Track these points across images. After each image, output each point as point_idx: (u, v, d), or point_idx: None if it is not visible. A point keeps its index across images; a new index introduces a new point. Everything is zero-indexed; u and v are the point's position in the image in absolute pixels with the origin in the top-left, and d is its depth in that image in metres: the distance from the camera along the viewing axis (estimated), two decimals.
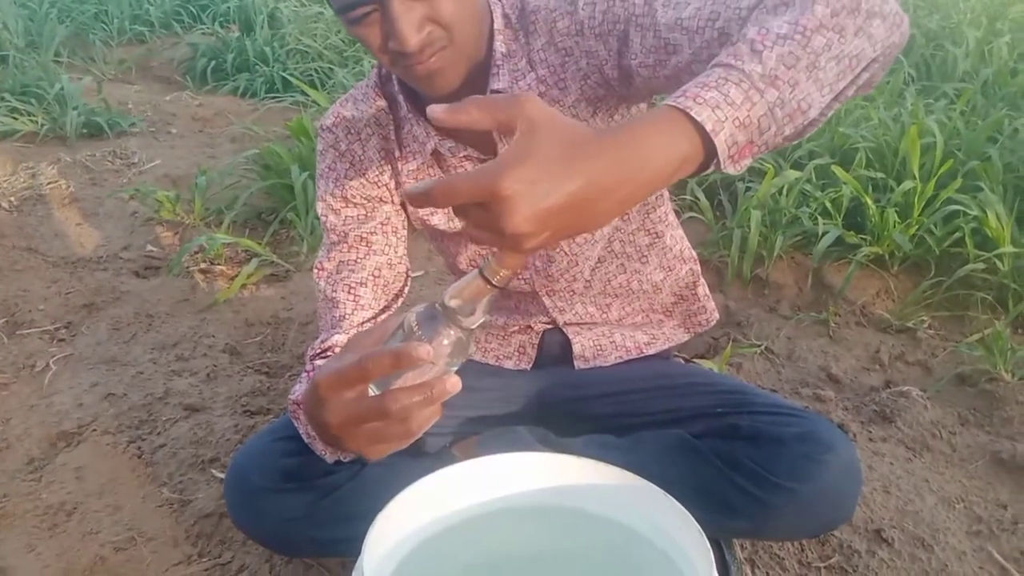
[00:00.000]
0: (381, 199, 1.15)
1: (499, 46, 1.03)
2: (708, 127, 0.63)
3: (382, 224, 1.14)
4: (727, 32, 0.80)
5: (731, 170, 0.66)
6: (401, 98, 1.09)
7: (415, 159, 1.12)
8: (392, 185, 1.16)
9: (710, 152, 0.65)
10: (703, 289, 1.38)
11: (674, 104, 0.64)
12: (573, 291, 1.26)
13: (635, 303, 1.33)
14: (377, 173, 1.14)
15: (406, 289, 1.19)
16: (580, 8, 0.98)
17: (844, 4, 0.70)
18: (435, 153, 1.11)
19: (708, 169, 0.67)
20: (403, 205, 1.18)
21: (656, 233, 1.27)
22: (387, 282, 1.15)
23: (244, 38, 4.73)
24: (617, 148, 0.61)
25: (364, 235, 1.13)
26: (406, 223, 1.19)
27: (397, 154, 1.13)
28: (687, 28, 0.85)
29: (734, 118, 0.64)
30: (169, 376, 1.82)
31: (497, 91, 1.03)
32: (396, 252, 1.15)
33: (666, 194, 1.29)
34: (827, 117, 0.73)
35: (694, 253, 1.38)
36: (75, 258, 2.42)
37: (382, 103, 1.12)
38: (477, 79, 1.02)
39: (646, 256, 1.28)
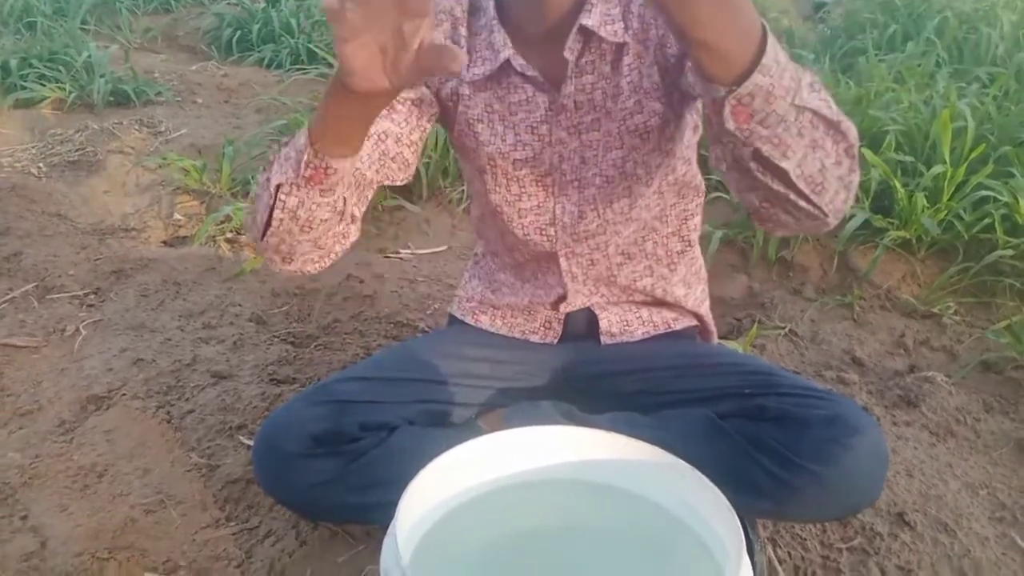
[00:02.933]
0: (425, 81, 1.13)
1: None
2: (768, 54, 0.72)
3: (413, 101, 1.10)
4: None
5: (729, 108, 0.75)
6: (492, 3, 1.10)
7: (482, 65, 1.11)
8: (440, 78, 1.14)
9: (743, 72, 0.73)
10: (708, 307, 1.42)
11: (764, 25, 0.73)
12: (592, 261, 1.25)
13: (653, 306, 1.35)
14: None
15: (401, 178, 1.13)
16: None
17: (848, 156, 0.85)
18: (503, 66, 1.09)
19: (725, 82, 0.74)
20: (439, 102, 1.17)
21: (689, 241, 1.29)
22: (387, 153, 1.08)
23: (270, 9, 4.72)
24: None
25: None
26: (433, 118, 1.16)
27: (465, 71, 1.13)
28: None
29: (776, 80, 0.74)
30: (196, 343, 1.84)
31: (585, 26, 1.04)
32: (410, 135, 1.10)
33: (701, 208, 1.30)
34: (764, 185, 0.85)
35: (706, 273, 1.39)
36: (103, 225, 2.44)
37: (464, 2, 1.12)
38: (572, 10, 1.06)
39: (675, 264, 1.29)
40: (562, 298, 1.30)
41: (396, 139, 1.08)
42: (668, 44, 1.06)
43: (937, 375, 1.88)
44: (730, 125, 0.76)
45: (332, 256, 1.05)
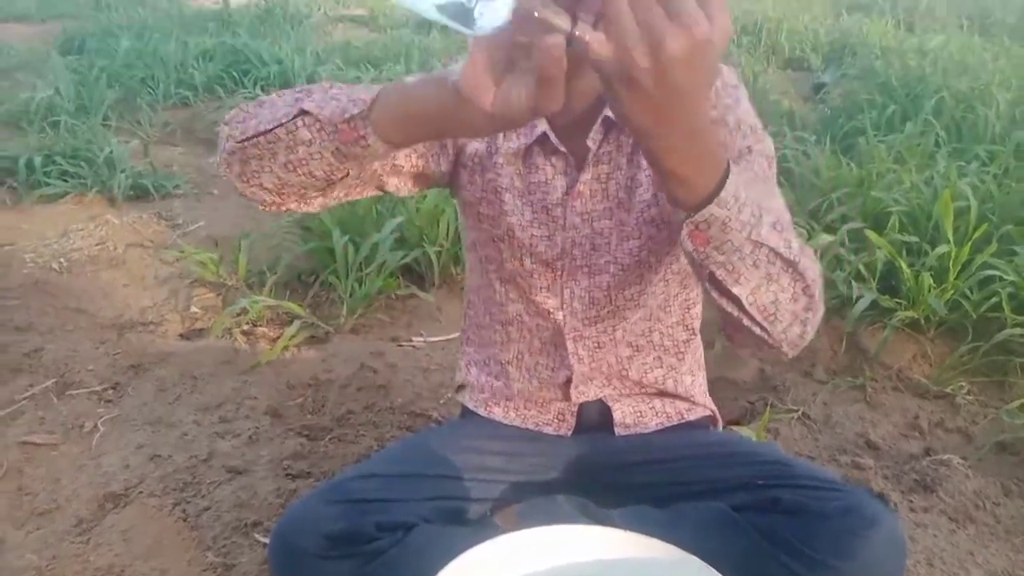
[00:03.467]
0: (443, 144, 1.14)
1: None
2: (728, 189, 0.76)
3: (420, 169, 1.11)
4: None
5: (687, 230, 0.79)
6: None
7: (517, 139, 1.14)
8: (463, 143, 1.15)
9: (703, 201, 0.77)
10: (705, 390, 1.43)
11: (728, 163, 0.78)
12: (599, 344, 1.27)
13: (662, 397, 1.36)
14: None
15: (364, 195, 1.09)
16: (724, 103, 1.06)
17: (806, 294, 0.88)
18: (532, 144, 1.13)
19: (685, 206, 0.79)
20: (456, 163, 1.18)
21: (692, 330, 1.31)
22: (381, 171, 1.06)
23: None
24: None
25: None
26: (426, 186, 1.17)
27: (499, 138, 1.15)
28: None
29: (733, 214, 0.78)
30: (212, 438, 1.86)
31: (609, 117, 1.08)
32: (404, 182, 1.11)
33: (701, 298, 1.32)
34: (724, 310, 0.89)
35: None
36: (122, 319, 2.49)
37: None
38: (599, 100, 1.06)
39: (683, 353, 1.31)
40: (568, 380, 1.31)
41: (395, 170, 1.08)
42: None
43: (953, 458, 1.87)
44: (687, 246, 0.81)
45: (279, 207, 1.00)
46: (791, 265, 0.85)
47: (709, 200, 0.76)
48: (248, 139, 0.92)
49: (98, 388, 2.07)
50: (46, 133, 4.42)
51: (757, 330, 0.89)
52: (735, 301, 0.86)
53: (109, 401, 2.03)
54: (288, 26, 8.50)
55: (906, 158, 3.16)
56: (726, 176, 0.77)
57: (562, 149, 1.13)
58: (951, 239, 2.39)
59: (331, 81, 0.96)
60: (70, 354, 2.21)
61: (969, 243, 2.37)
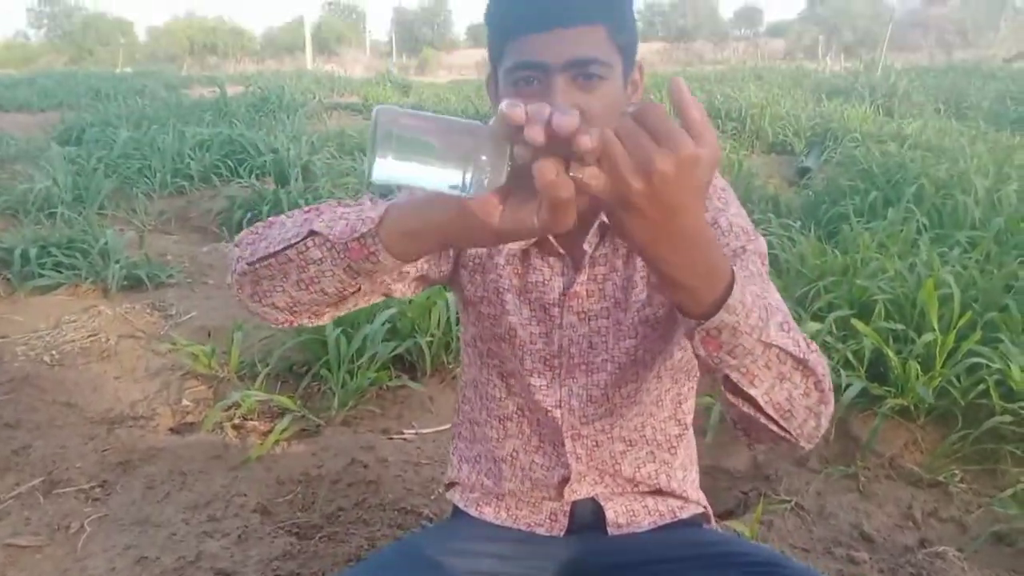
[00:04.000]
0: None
1: None
2: (735, 295, 0.78)
3: (422, 275, 1.11)
4: None
5: (699, 337, 0.81)
6: None
7: (518, 244, 1.15)
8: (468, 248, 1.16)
9: (709, 308, 0.79)
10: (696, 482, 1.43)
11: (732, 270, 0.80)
12: (597, 443, 1.27)
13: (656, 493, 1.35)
14: None
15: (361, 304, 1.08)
16: (715, 206, 1.10)
17: (817, 389, 0.89)
18: (535, 243, 1.14)
19: (694, 315, 0.81)
20: (456, 264, 1.19)
21: (685, 424, 1.31)
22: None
23: (279, 190, 4.98)
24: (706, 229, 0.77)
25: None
26: (423, 288, 1.15)
27: None
28: None
29: (742, 319, 0.80)
30: (201, 538, 1.83)
31: (605, 223, 1.10)
32: (405, 286, 1.10)
33: (694, 392, 1.34)
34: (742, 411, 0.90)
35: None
36: (113, 414, 2.48)
37: None
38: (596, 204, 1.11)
39: (676, 448, 1.32)
40: (565, 479, 1.31)
41: (401, 277, 1.08)
42: None
43: (949, 550, 1.86)
44: (700, 352, 0.83)
45: (291, 323, 1.00)
46: (801, 363, 0.87)
47: (716, 308, 0.79)
48: (259, 260, 0.93)
49: (86, 486, 2.05)
50: (42, 224, 4.48)
51: (774, 427, 0.90)
52: (751, 401, 0.88)
53: (96, 499, 2.01)
54: (284, 115, 8.72)
55: (888, 245, 3.22)
56: (732, 283, 0.79)
57: (560, 251, 1.16)
58: (936, 327, 2.42)
59: (339, 200, 0.98)
60: (58, 451, 2.20)
61: (954, 331, 2.40)
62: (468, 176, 0.67)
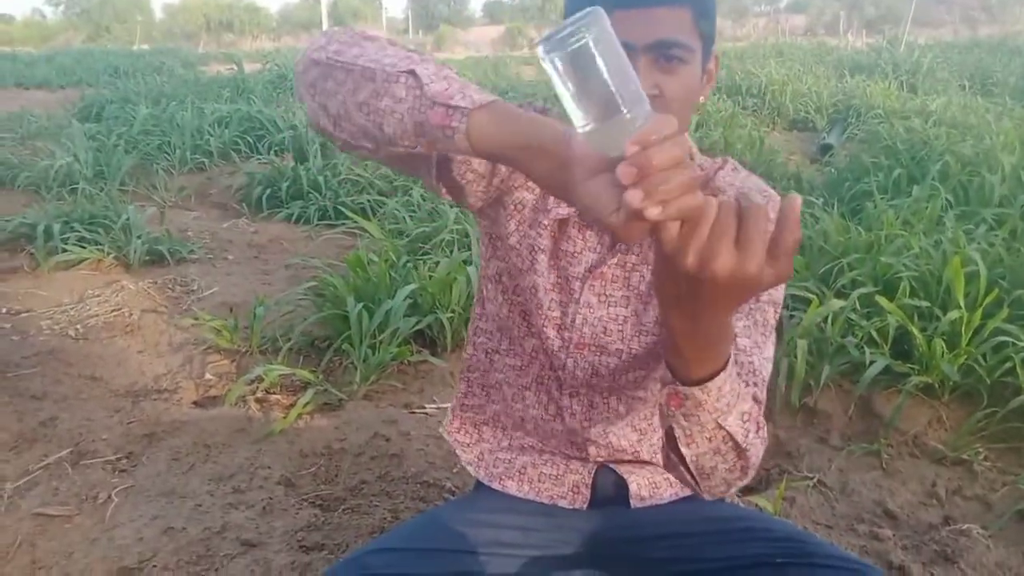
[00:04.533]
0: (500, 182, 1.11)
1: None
2: (716, 382, 0.82)
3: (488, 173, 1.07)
4: None
5: (668, 391, 0.86)
6: None
7: (567, 208, 1.13)
8: (525, 180, 1.13)
9: (694, 379, 0.83)
10: None
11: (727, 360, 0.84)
12: (593, 404, 1.27)
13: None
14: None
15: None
16: None
17: (742, 469, 0.93)
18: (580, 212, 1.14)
19: (677, 375, 0.84)
20: (499, 197, 1.15)
21: None
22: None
23: (298, 167, 4.98)
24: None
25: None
26: (485, 192, 1.11)
27: (553, 198, 1.14)
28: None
29: (712, 401, 0.84)
30: (226, 509, 1.85)
31: None
32: (475, 182, 1.07)
33: None
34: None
35: None
36: (137, 387, 2.50)
37: None
38: None
39: None
40: (573, 428, 1.30)
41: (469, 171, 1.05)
42: None
43: (973, 527, 1.85)
44: (661, 400, 0.87)
45: (327, 132, 0.93)
46: (741, 450, 0.91)
47: (697, 382, 0.82)
48: (342, 61, 0.87)
49: (112, 458, 2.08)
50: (64, 199, 4.51)
51: (688, 477, 0.94)
52: (677, 454, 0.92)
53: (123, 471, 2.03)
54: None
55: (913, 223, 3.18)
56: (722, 369, 0.82)
57: (599, 228, 1.14)
58: (962, 304, 2.40)
59: (449, 66, 0.89)
60: (84, 423, 2.22)
61: (980, 308, 2.37)
62: (595, 123, 0.64)
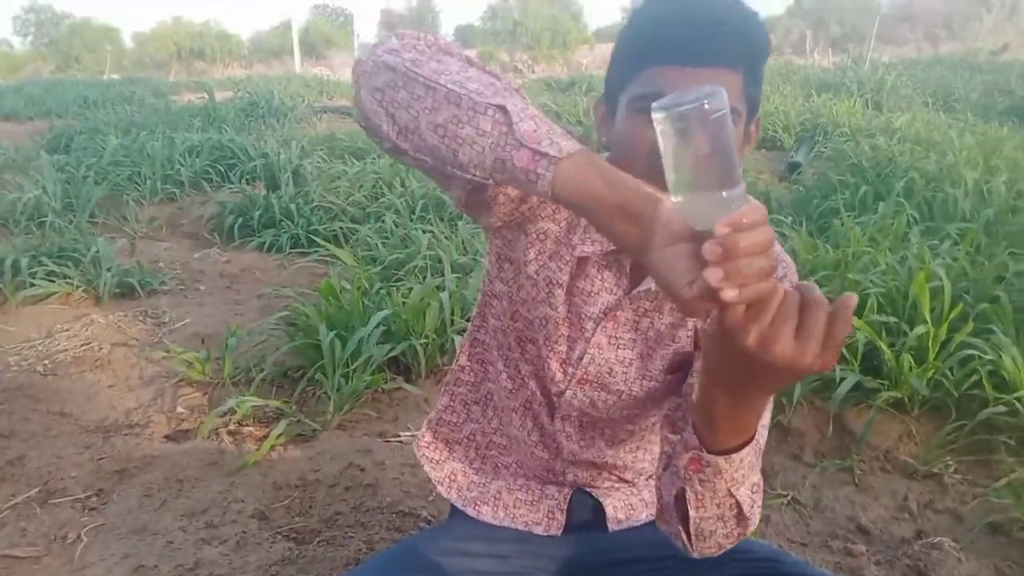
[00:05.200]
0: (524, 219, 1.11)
1: None
2: (741, 454, 0.87)
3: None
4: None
5: (691, 455, 0.89)
6: None
7: (592, 245, 1.11)
8: (553, 212, 1.12)
9: (720, 449, 0.87)
10: None
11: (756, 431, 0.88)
12: (583, 425, 1.28)
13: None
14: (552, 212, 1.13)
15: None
16: None
17: (738, 536, 0.96)
18: (613, 253, 1.12)
19: (704, 441, 0.87)
20: (517, 224, 1.14)
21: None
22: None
23: (270, 195, 4.97)
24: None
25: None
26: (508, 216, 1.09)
27: (578, 233, 1.13)
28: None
29: (732, 471, 0.89)
30: (199, 545, 1.83)
31: None
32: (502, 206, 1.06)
33: None
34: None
35: None
36: (107, 422, 2.47)
37: None
38: None
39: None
40: (559, 450, 1.30)
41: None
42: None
43: (945, 540, 1.87)
44: (683, 464, 0.90)
45: (384, 140, 0.89)
46: (743, 518, 0.94)
47: (723, 452, 0.86)
48: (421, 75, 0.84)
49: (82, 496, 2.05)
50: (33, 233, 4.46)
51: (683, 536, 0.97)
52: (681, 513, 0.95)
53: (93, 509, 2.00)
54: (273, 119, 8.70)
55: (879, 239, 3.24)
56: (749, 441, 0.86)
57: (627, 271, 1.14)
58: (928, 319, 2.44)
59: (526, 99, 0.87)
60: (54, 461, 2.19)
61: (946, 323, 2.41)
62: (692, 193, 0.65)
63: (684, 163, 0.64)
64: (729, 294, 0.64)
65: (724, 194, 0.64)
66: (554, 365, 1.20)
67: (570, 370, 1.21)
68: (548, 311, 1.17)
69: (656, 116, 0.64)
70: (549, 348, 1.20)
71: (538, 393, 1.26)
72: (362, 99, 0.89)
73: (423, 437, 1.42)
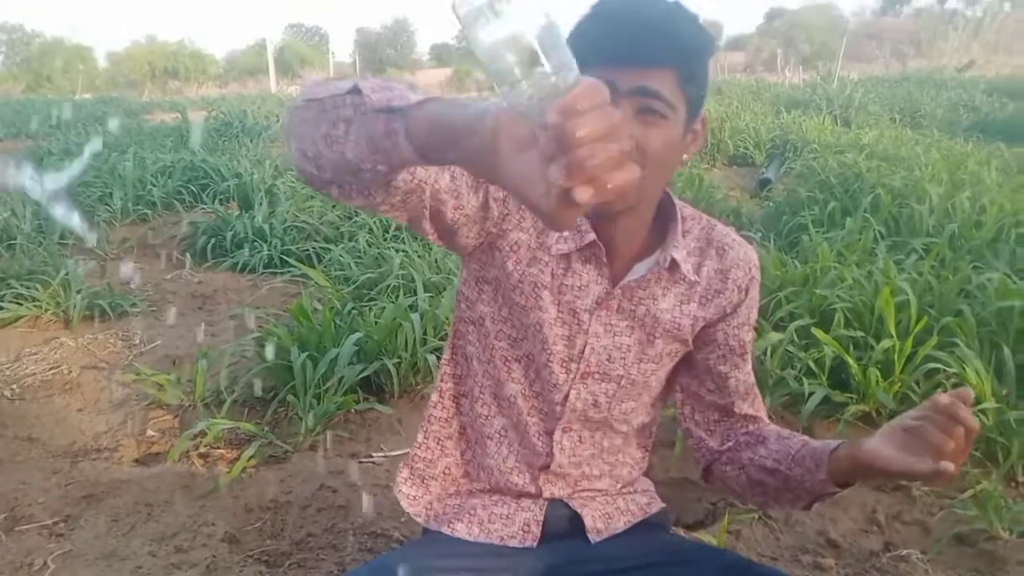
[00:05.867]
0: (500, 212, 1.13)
1: (687, 229, 1.21)
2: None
3: (481, 205, 1.09)
4: (730, 407, 1.29)
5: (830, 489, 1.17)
6: None
7: (567, 243, 1.15)
8: (519, 221, 1.15)
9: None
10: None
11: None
12: (581, 439, 1.29)
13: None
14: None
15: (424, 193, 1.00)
16: (744, 301, 1.23)
17: None
18: (581, 248, 1.16)
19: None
20: (491, 238, 1.16)
21: (647, 448, 1.39)
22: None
23: (243, 215, 4.95)
24: None
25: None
26: (477, 227, 1.12)
27: (552, 235, 1.16)
28: (728, 385, 1.27)
29: None
30: (168, 570, 1.81)
31: (673, 259, 1.17)
32: (458, 209, 1.05)
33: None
34: None
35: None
36: (76, 447, 2.44)
37: None
38: (643, 237, 1.19)
39: (644, 453, 1.37)
40: (546, 466, 1.31)
41: (436, 215, 1.03)
42: (728, 323, 1.24)
43: (913, 552, 1.89)
44: (830, 488, 1.15)
45: (323, 187, 0.92)
46: None
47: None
48: (308, 104, 0.88)
49: (49, 522, 2.02)
50: (1, 256, 4.41)
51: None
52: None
53: (60, 535, 1.98)
54: (247, 139, 8.67)
55: (847, 254, 3.29)
56: None
57: (604, 261, 1.17)
58: (894, 333, 2.48)
59: (410, 81, 0.89)
60: (20, 487, 2.16)
61: (912, 336, 2.45)
62: (516, 83, 0.57)
63: (495, 53, 0.57)
64: (582, 195, 0.57)
65: (552, 76, 0.56)
66: (556, 367, 1.22)
67: (572, 366, 1.22)
68: (539, 315, 1.19)
69: (458, 12, 0.57)
70: (548, 353, 1.22)
71: (526, 413, 1.27)
72: (291, 151, 0.92)
73: (401, 472, 1.41)
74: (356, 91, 0.82)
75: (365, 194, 0.91)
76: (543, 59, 0.56)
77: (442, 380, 1.34)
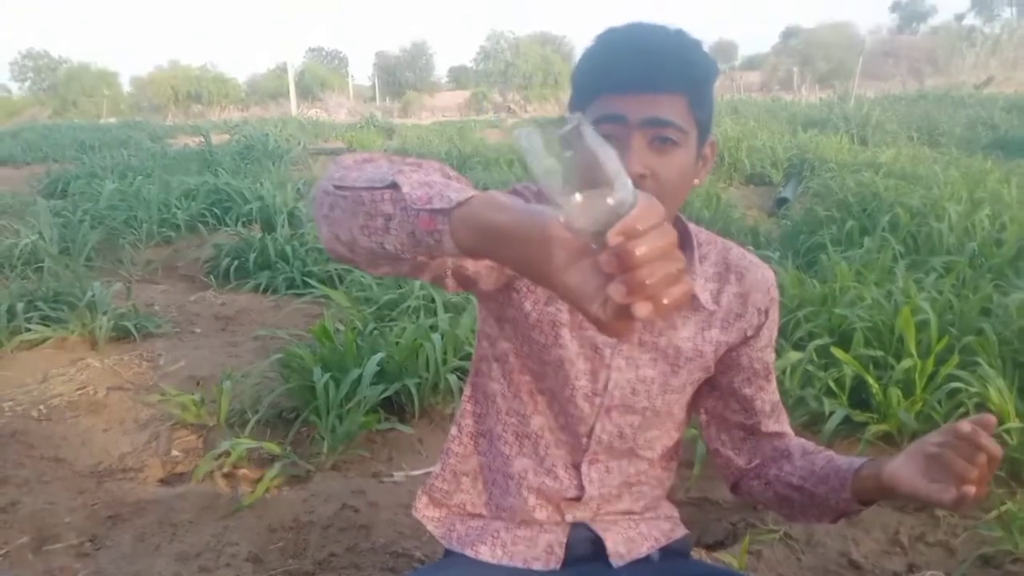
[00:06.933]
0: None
1: (703, 255, 1.23)
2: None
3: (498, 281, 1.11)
4: (756, 427, 1.30)
5: (856, 508, 1.18)
6: None
7: None
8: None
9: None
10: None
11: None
12: (608, 469, 1.29)
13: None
14: None
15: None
16: (765, 323, 1.24)
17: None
18: None
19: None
20: (508, 285, 1.17)
21: (671, 470, 1.39)
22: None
23: (266, 237, 5.01)
24: None
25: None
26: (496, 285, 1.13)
27: None
28: (754, 406, 1.29)
29: None
30: None
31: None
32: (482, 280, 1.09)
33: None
34: None
35: None
36: (101, 467, 2.48)
37: None
38: None
39: (665, 479, 1.38)
40: (571, 499, 1.32)
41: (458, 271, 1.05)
42: (751, 346, 1.25)
43: (937, 574, 1.88)
44: (853, 507, 1.15)
45: (350, 261, 0.95)
46: None
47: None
48: (341, 188, 0.89)
49: (75, 542, 2.05)
50: (29, 278, 4.49)
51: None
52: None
53: (86, 555, 2.01)
54: (269, 162, 8.78)
55: (865, 273, 3.28)
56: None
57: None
58: (914, 353, 2.47)
59: (441, 163, 0.92)
60: (47, 507, 2.19)
61: (932, 356, 2.44)
62: (570, 204, 0.60)
63: (553, 172, 0.60)
64: (642, 311, 0.60)
65: (609, 198, 0.59)
66: (580, 402, 1.22)
67: (597, 400, 1.23)
68: (560, 352, 1.19)
69: (517, 134, 0.61)
70: (571, 388, 1.22)
71: (552, 446, 1.27)
72: (320, 231, 0.95)
73: (420, 500, 1.42)
74: (394, 186, 0.83)
75: (396, 270, 0.95)
76: (600, 179, 0.59)
77: (462, 416, 1.34)
